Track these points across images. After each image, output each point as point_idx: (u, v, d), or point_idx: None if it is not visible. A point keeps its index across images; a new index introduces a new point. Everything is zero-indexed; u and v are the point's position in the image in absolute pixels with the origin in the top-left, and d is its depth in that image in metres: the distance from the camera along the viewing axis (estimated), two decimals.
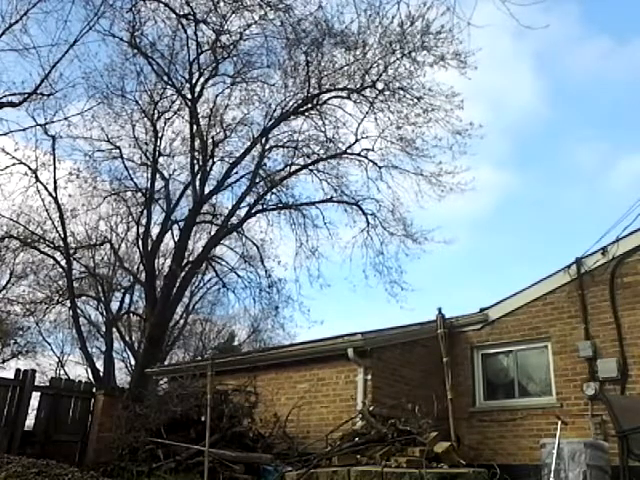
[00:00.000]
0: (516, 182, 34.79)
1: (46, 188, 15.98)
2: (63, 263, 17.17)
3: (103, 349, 22.50)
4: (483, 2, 4.73)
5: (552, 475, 6.76)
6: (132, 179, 17.05)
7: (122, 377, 24.55)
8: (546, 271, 9.99)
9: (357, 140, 16.63)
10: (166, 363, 19.24)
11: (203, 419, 7.39)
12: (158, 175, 16.77)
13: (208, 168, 16.72)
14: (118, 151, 16.78)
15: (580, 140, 35.41)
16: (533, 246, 38.06)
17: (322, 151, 17.13)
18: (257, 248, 18.08)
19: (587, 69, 31.06)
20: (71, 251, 16.97)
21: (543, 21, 4.77)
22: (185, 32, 15.18)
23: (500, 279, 33.04)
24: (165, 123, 16.93)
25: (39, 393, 9.57)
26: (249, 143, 16.85)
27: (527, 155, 34.98)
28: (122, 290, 21.90)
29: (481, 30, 4.81)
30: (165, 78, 15.91)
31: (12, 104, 13.30)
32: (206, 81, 16.40)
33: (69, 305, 18.17)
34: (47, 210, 16.41)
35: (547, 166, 33.00)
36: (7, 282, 21.73)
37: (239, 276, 18.45)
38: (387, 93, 16.03)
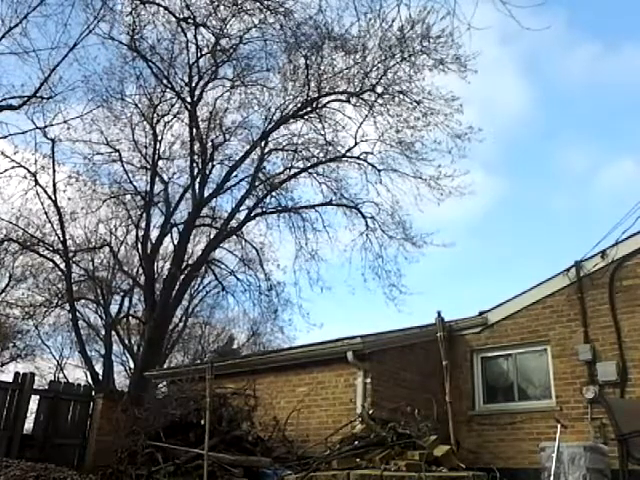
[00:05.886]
0: (509, 186, 34.96)
1: (45, 191, 16.03)
2: (62, 266, 17.20)
3: (102, 352, 22.48)
4: (477, 6, 4.73)
5: (552, 479, 6.76)
6: (131, 182, 17.12)
7: (121, 380, 24.55)
8: (544, 274, 10.01)
9: (356, 143, 16.69)
10: (165, 366, 19.20)
11: (202, 422, 7.36)
12: (157, 178, 16.80)
13: (207, 171, 16.77)
14: (117, 154, 16.85)
15: (572, 143, 35.61)
16: (530, 249, 38.16)
17: (321, 154, 17.19)
18: (256, 251, 18.14)
19: (578, 74, 31.25)
20: (70, 254, 16.97)
21: (532, 25, 4.77)
22: (185, 35, 15.25)
23: (499, 282, 33.09)
24: (165, 126, 17.00)
25: (38, 396, 9.53)
26: (248, 146, 16.90)
27: (519, 159, 35.17)
28: (121, 293, 21.91)
29: (472, 34, 4.82)
30: (165, 81, 15.96)
31: (12, 107, 13.34)
32: (206, 84, 16.44)
33: (68, 308, 18.18)
34: (46, 213, 16.45)
35: (539, 169, 33.18)
36: (6, 285, 21.73)
37: (238, 279, 18.50)
38: (386, 97, 16.09)
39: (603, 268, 9.29)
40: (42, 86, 13.34)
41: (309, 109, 16.78)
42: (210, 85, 16.59)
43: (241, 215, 17.11)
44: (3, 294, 21.63)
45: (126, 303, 21.99)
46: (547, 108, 33.98)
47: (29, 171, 15.73)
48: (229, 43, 15.46)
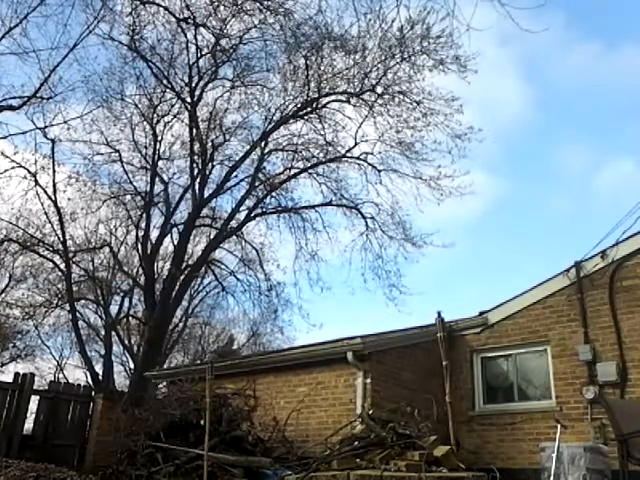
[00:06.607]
0: (509, 186, 35.03)
1: (45, 192, 16.01)
2: (62, 266, 17.19)
3: (102, 353, 22.47)
4: (477, 7, 4.74)
5: (552, 479, 6.76)
6: (131, 183, 17.09)
7: (121, 381, 24.55)
8: (544, 274, 10.01)
9: (356, 144, 16.67)
10: (165, 367, 19.20)
11: (202, 423, 7.36)
12: (157, 179, 16.78)
13: (207, 172, 16.74)
14: (117, 155, 16.82)
15: (571, 143, 35.68)
16: (530, 249, 38.23)
17: (321, 155, 17.16)
18: (256, 252, 18.12)
19: (577, 74, 31.32)
20: (70, 254, 16.96)
21: (532, 26, 4.77)
22: (185, 36, 15.23)
23: (499, 282, 33.14)
24: (165, 127, 16.97)
25: (38, 397, 9.54)
26: (248, 147, 16.88)
27: (518, 159, 35.24)
28: (121, 293, 21.89)
29: (472, 35, 4.83)
30: (165, 82, 15.94)
31: (12, 107, 13.33)
32: (206, 85, 16.43)
33: (68, 308, 18.16)
34: (46, 213, 16.43)
35: (539, 170, 33.27)
36: (6, 285, 21.70)
37: (238, 280, 18.48)
38: (386, 97, 16.07)
39: (603, 268, 9.29)
40: (42, 86, 13.33)
41: (309, 109, 16.77)
42: (210, 85, 16.58)
43: (241, 215, 17.11)
44: (3, 294, 21.63)
45: (126, 303, 22.01)
46: (546, 108, 34.06)
47: (29, 171, 15.74)
48: (229, 43, 15.45)
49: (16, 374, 9.50)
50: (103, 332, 22.28)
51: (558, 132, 34.19)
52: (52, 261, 17.86)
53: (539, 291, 9.92)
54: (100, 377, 19.24)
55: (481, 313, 10.51)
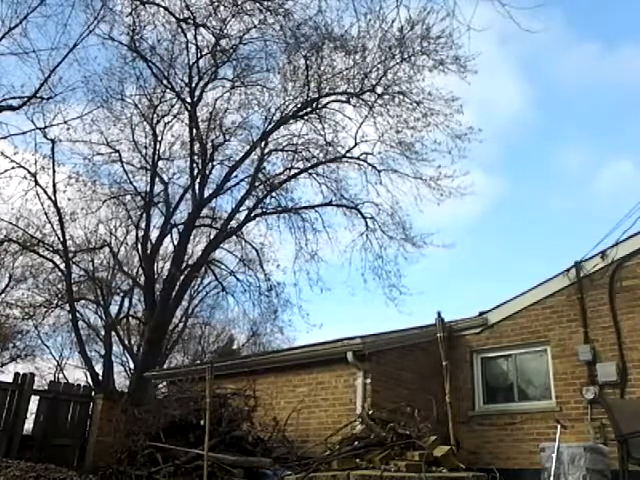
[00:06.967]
0: (508, 186, 35.06)
1: (45, 192, 16.02)
2: (62, 267, 17.20)
3: (102, 353, 22.44)
4: (477, 7, 4.75)
5: (552, 479, 6.76)
6: (131, 183, 17.09)
7: (121, 381, 24.54)
8: (544, 274, 10.01)
9: (356, 144, 16.69)
10: (165, 367, 19.20)
11: (202, 423, 7.36)
12: (157, 179, 16.79)
13: (207, 172, 16.75)
14: (117, 155, 16.83)
15: (570, 143, 35.70)
16: (530, 249, 38.23)
17: (321, 155, 17.18)
18: (256, 252, 18.11)
19: (576, 74, 31.35)
20: (70, 255, 16.97)
21: (531, 26, 4.79)
22: (185, 36, 15.25)
23: (499, 282, 33.14)
24: (164, 127, 16.98)
25: (38, 397, 9.53)
26: (248, 147, 16.88)
27: (518, 159, 35.27)
28: (121, 294, 21.89)
29: (472, 35, 4.85)
30: (165, 82, 15.96)
31: (11, 108, 13.34)
32: (206, 85, 16.44)
33: (68, 309, 18.16)
34: (46, 214, 16.44)
35: (538, 170, 33.31)
36: (6, 286, 21.73)
37: (238, 280, 18.48)
38: (386, 97, 16.10)
39: (603, 268, 9.29)
40: (42, 87, 13.33)
41: (309, 109, 16.78)
42: (210, 85, 16.60)
43: (241, 215, 17.12)
44: (3, 294, 21.65)
45: (126, 303, 22.01)
46: (546, 108, 34.10)
47: (29, 172, 15.74)
48: (229, 43, 15.46)
49: (16, 374, 9.48)
50: (103, 332, 22.26)
51: (558, 132, 34.27)
52: (52, 261, 17.88)
53: (539, 291, 9.92)
54: (100, 377, 19.22)
55: (481, 313, 10.51)
